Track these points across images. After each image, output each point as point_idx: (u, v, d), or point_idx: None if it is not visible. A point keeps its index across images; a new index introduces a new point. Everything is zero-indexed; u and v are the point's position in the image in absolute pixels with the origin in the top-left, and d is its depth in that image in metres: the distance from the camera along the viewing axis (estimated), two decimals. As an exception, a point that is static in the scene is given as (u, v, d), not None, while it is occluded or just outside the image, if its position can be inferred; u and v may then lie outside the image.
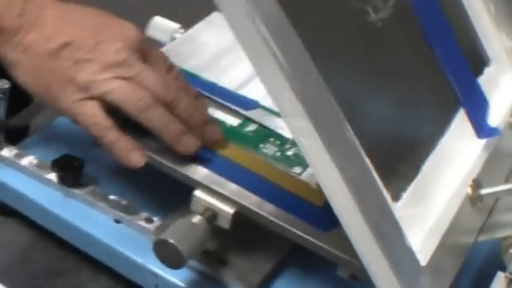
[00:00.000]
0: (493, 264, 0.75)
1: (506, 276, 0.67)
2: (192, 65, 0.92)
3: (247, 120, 0.90)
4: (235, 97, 0.93)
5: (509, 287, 0.66)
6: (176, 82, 0.85)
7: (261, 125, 0.89)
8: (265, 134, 0.88)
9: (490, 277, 0.69)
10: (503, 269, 0.70)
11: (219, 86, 0.94)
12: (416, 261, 0.69)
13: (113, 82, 0.79)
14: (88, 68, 0.80)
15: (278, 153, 0.86)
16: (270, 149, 0.86)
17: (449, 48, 0.87)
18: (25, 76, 0.82)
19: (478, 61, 0.93)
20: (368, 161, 0.68)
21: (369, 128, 0.74)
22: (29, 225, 0.91)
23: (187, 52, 0.98)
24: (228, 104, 0.91)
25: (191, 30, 1.05)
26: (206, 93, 0.91)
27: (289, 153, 0.86)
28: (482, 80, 0.91)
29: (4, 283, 0.83)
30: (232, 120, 0.90)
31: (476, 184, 0.77)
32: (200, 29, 1.06)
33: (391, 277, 0.65)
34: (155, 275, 0.84)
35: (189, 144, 0.81)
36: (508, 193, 0.74)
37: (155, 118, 0.80)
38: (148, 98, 0.79)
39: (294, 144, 0.86)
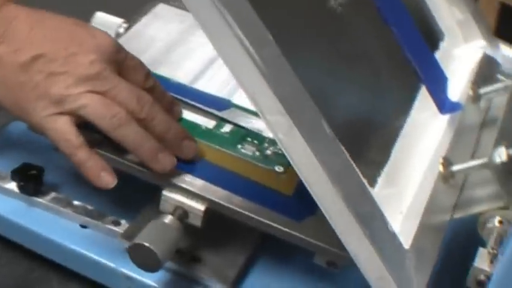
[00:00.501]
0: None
1: (489, 252, 0.67)
2: (143, 61, 0.90)
3: (222, 121, 0.88)
4: (207, 98, 0.91)
5: (492, 262, 0.67)
6: (152, 93, 0.82)
7: (236, 125, 0.88)
8: (242, 134, 0.87)
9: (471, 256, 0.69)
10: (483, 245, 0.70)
11: (189, 87, 0.93)
12: (400, 244, 0.69)
13: (86, 97, 0.77)
14: (61, 82, 0.77)
15: (257, 153, 0.84)
16: (248, 149, 0.85)
17: (406, 27, 0.87)
18: None
19: (433, 36, 0.93)
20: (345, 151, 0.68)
21: (337, 116, 0.74)
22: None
23: (137, 48, 0.96)
24: (201, 106, 0.90)
25: (137, 25, 1.03)
26: (177, 96, 0.90)
27: (268, 152, 0.85)
28: (438, 55, 0.91)
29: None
30: (207, 122, 0.88)
31: (447, 161, 0.77)
32: (146, 23, 1.04)
33: (378, 262, 0.65)
34: (128, 277, 0.83)
35: (165, 162, 0.79)
36: (478, 168, 0.74)
37: (129, 136, 0.78)
38: (122, 114, 0.77)
39: (272, 143, 0.85)
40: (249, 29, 0.60)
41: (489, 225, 0.71)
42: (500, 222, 0.71)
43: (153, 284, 0.82)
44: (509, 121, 0.81)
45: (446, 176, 0.77)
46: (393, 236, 0.68)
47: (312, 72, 0.74)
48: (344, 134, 0.70)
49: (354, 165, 0.68)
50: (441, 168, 0.77)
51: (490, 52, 0.94)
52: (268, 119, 0.63)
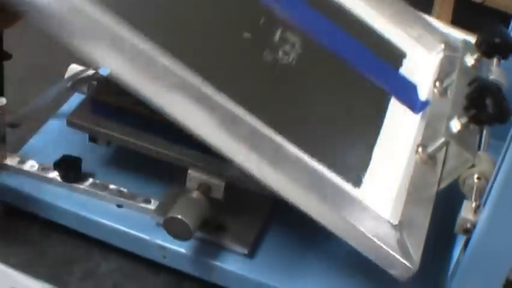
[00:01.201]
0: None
1: (472, 204, 0.68)
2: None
3: None
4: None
5: (476, 212, 0.67)
6: None
7: None
8: None
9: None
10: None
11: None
12: (387, 222, 0.71)
13: None
14: None
15: None
16: None
17: (365, 59, 0.90)
18: None
19: (396, 56, 0.94)
20: (320, 166, 0.72)
21: (321, 139, 0.78)
22: (38, 222, 0.89)
23: None
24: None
25: None
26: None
27: None
28: (405, 69, 0.93)
29: (26, 274, 0.81)
30: None
31: (423, 147, 0.78)
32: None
33: (373, 243, 0.68)
34: (162, 247, 0.83)
35: None
36: (444, 144, 0.76)
37: None
38: None
39: None
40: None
41: (469, 182, 0.72)
42: (479, 178, 0.72)
43: (184, 251, 0.82)
44: (458, 94, 0.82)
45: (425, 159, 0.78)
46: (377, 217, 0.71)
47: (300, 111, 0.80)
48: (327, 150, 0.76)
49: (331, 175, 0.73)
50: (418, 153, 0.79)
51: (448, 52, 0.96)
52: (237, 161, 0.67)
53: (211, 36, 0.79)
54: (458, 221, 0.68)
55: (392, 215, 0.73)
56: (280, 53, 0.82)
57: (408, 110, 0.87)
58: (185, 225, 0.76)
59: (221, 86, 0.71)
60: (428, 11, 1.29)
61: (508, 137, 0.70)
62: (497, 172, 0.66)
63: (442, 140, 0.76)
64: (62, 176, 0.87)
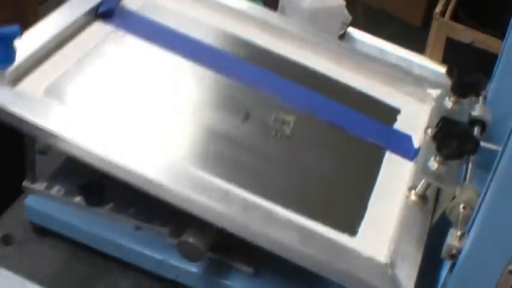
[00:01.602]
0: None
1: (457, 232, 0.69)
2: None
3: None
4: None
5: (461, 240, 0.68)
6: None
7: None
8: None
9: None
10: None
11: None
12: (381, 263, 0.73)
13: None
14: None
15: None
16: None
17: (360, 123, 0.93)
18: None
19: (389, 114, 0.96)
20: (315, 224, 0.75)
21: (318, 200, 0.82)
22: (65, 241, 0.89)
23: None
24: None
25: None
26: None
27: None
28: (399, 123, 0.95)
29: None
30: None
31: (412, 189, 0.81)
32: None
33: (367, 284, 0.71)
34: (176, 267, 0.84)
35: None
36: (427, 185, 0.80)
37: None
38: None
39: None
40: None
41: (455, 211, 0.72)
42: (464, 207, 0.72)
43: (195, 270, 0.83)
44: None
45: (415, 200, 0.81)
46: (367, 259, 0.73)
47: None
48: (321, 207, 0.80)
49: (325, 229, 0.75)
50: (410, 195, 0.81)
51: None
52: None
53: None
54: (445, 247, 0.68)
55: (386, 255, 0.74)
56: (277, 131, 0.87)
57: (403, 159, 0.88)
58: (196, 248, 0.77)
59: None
60: (422, 51, 1.30)
61: (492, 170, 0.70)
62: (481, 202, 0.66)
63: (423, 180, 0.78)
64: (86, 200, 0.87)
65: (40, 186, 0.89)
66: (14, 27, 0.79)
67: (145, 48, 0.94)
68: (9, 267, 0.83)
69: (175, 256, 0.81)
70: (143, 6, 1.02)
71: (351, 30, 1.29)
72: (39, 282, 0.82)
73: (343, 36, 1.28)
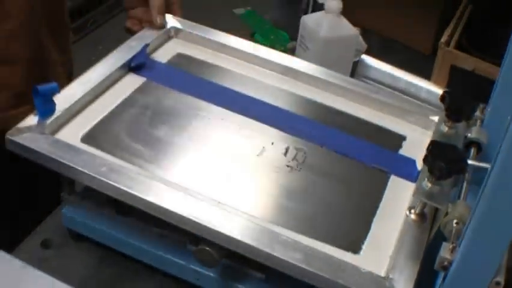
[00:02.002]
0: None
1: (450, 245, 0.68)
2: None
3: None
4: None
5: (452, 252, 0.67)
6: None
7: None
8: None
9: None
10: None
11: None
12: (380, 277, 0.74)
13: None
14: None
15: None
16: None
17: (367, 151, 0.93)
18: None
19: (395, 141, 0.97)
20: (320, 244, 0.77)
21: (326, 223, 0.83)
22: (97, 246, 0.90)
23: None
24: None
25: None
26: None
27: None
28: (405, 149, 0.95)
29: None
30: None
31: (411, 208, 0.82)
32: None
33: None
34: (196, 271, 0.84)
35: None
36: (423, 203, 0.80)
37: None
38: None
39: None
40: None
41: (449, 226, 0.71)
42: (457, 223, 0.71)
43: (212, 274, 0.83)
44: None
45: (414, 218, 0.81)
46: (367, 274, 0.74)
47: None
48: (328, 229, 0.81)
49: (329, 249, 0.77)
50: (409, 214, 0.81)
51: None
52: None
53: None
54: (438, 259, 0.68)
55: (385, 269, 0.75)
56: (290, 162, 0.89)
57: (407, 181, 0.88)
58: (212, 255, 0.77)
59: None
60: (428, 77, 1.30)
61: (482, 186, 0.70)
62: (471, 217, 0.66)
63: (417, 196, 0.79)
64: (116, 210, 0.87)
65: (76, 197, 0.90)
66: (53, 85, 0.85)
67: (173, 95, 0.97)
68: (47, 269, 0.84)
69: (195, 262, 0.81)
70: (171, 59, 1.05)
71: (365, 57, 1.29)
72: (73, 283, 0.83)
73: (357, 62, 1.28)
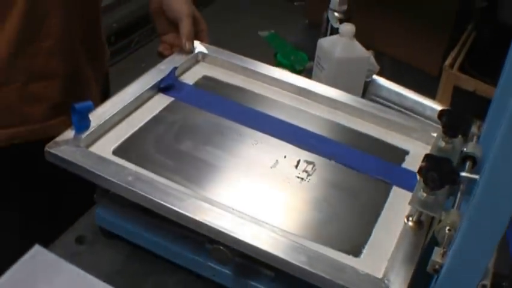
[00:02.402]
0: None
1: (441, 250, 0.68)
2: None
3: None
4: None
5: (443, 257, 0.67)
6: None
7: None
8: None
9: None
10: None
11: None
12: (377, 278, 0.73)
13: None
14: None
15: None
16: None
17: (371, 165, 0.93)
18: None
19: (399, 155, 0.96)
20: (324, 248, 0.77)
21: (331, 230, 0.82)
22: (126, 244, 0.91)
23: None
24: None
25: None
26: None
27: None
28: (407, 162, 0.94)
29: (111, 284, 0.83)
30: None
31: (409, 216, 0.81)
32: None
33: None
34: (212, 268, 0.84)
35: None
36: (419, 212, 0.80)
37: None
38: None
39: None
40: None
41: (441, 233, 0.71)
42: (449, 230, 0.71)
43: (227, 271, 0.83)
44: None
45: (412, 226, 0.80)
46: (366, 275, 0.73)
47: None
48: (333, 235, 0.81)
49: (332, 253, 0.77)
50: (408, 222, 0.81)
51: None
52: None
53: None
54: (430, 263, 0.68)
55: (382, 272, 0.75)
56: (300, 174, 0.89)
57: (408, 192, 0.87)
58: (226, 254, 0.77)
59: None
60: (433, 97, 1.29)
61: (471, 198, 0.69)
62: (460, 224, 0.66)
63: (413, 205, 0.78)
64: (143, 212, 0.87)
65: (108, 199, 0.90)
66: (88, 103, 0.87)
67: (198, 114, 0.98)
68: (79, 263, 0.84)
69: (211, 259, 0.82)
70: (197, 81, 1.07)
71: (376, 77, 1.28)
72: (102, 277, 0.83)
73: (369, 82, 1.28)
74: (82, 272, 0.81)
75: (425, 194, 0.76)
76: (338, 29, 1.24)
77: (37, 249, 0.83)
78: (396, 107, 1.22)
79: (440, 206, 0.76)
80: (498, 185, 0.54)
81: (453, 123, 0.86)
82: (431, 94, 1.31)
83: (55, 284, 0.80)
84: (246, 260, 0.81)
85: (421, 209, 0.77)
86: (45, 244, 0.85)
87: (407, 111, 1.20)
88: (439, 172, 0.73)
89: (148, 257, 0.89)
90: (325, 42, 1.23)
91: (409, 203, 0.77)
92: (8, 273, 0.80)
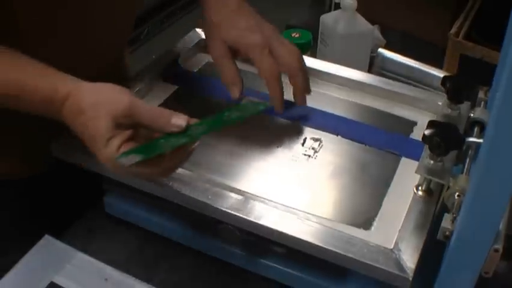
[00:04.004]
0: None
1: (451, 216, 0.66)
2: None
3: None
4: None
5: (453, 223, 0.65)
6: None
7: None
8: None
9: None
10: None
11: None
12: (388, 249, 0.72)
13: None
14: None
15: None
16: None
17: (380, 138, 0.91)
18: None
19: (407, 126, 0.94)
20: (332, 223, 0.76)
21: (342, 204, 0.81)
22: (136, 229, 0.90)
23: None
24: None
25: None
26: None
27: None
28: (415, 133, 0.92)
29: (126, 272, 0.82)
30: None
31: (418, 186, 0.79)
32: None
33: (376, 268, 0.70)
34: (222, 248, 0.84)
35: None
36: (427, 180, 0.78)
37: None
38: None
39: None
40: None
41: (451, 199, 0.69)
42: (459, 195, 0.69)
43: (237, 250, 0.83)
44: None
45: (421, 195, 0.78)
46: (376, 246, 0.72)
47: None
48: (344, 209, 0.80)
49: (343, 227, 0.75)
50: (416, 191, 0.79)
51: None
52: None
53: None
54: (440, 230, 0.66)
55: (394, 242, 0.73)
56: (307, 151, 0.88)
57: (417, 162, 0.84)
58: (234, 233, 0.77)
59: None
60: (440, 67, 1.27)
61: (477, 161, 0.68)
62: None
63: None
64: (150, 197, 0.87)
65: (115, 187, 0.89)
66: None
67: (203, 100, 0.98)
68: (91, 252, 0.84)
69: (221, 239, 0.82)
70: (201, 67, 1.06)
71: (382, 50, 1.26)
72: (115, 263, 0.83)
73: (375, 56, 1.26)
74: (92, 260, 0.81)
75: (431, 161, 0.75)
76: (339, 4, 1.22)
77: (47, 238, 0.83)
78: (403, 79, 1.20)
79: (447, 172, 0.74)
80: (503, 143, 0.52)
81: (457, 88, 0.85)
82: (439, 65, 1.29)
83: (66, 272, 0.80)
84: (255, 238, 0.80)
85: (428, 176, 0.75)
86: (56, 235, 0.85)
87: (415, 83, 1.18)
88: (443, 137, 0.71)
89: (159, 241, 0.88)
90: (327, 18, 1.21)
91: (416, 171, 0.75)
92: (19, 264, 0.80)
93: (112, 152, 0.69)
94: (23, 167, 0.95)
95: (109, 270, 0.81)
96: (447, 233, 0.65)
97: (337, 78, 1.01)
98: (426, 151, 0.76)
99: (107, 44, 0.94)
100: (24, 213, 0.97)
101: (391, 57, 1.26)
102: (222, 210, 0.75)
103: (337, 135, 0.90)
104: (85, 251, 0.84)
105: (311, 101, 0.94)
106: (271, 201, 0.78)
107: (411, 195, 0.79)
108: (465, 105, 0.87)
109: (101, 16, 0.88)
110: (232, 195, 0.77)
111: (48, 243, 0.83)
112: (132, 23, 1.01)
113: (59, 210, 0.96)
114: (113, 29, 0.94)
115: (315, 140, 0.89)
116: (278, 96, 0.86)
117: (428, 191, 0.78)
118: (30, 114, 0.76)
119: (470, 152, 0.78)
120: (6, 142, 0.92)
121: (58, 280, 0.79)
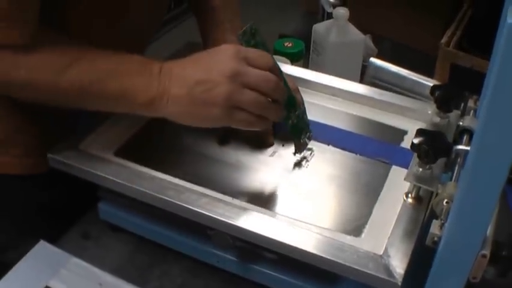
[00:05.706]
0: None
1: (439, 222, 0.67)
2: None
3: None
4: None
5: (442, 229, 0.66)
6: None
7: None
8: None
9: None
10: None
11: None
12: (377, 255, 0.73)
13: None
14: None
15: None
16: None
17: (370, 147, 0.92)
18: (180, 118, 0.79)
19: (397, 135, 0.95)
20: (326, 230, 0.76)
21: (331, 212, 0.82)
22: (130, 235, 0.91)
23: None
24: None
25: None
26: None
27: None
28: (406, 142, 0.93)
29: (118, 276, 0.83)
30: None
31: (408, 193, 0.80)
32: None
33: (366, 274, 0.71)
34: (215, 254, 0.84)
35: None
36: (416, 187, 0.79)
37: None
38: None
39: None
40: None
41: (439, 205, 0.70)
42: (447, 202, 0.70)
43: (229, 256, 0.83)
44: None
45: (411, 202, 0.79)
46: (365, 252, 0.73)
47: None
48: (334, 217, 0.81)
49: (335, 234, 0.76)
50: (406, 199, 0.80)
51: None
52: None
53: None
54: (429, 235, 0.67)
55: (384, 248, 0.74)
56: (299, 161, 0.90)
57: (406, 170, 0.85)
58: (226, 239, 0.77)
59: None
60: (431, 75, 1.28)
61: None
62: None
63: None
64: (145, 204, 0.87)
65: (110, 194, 0.89)
66: None
67: None
68: (86, 257, 0.85)
69: (214, 246, 0.82)
70: None
71: (373, 59, 1.27)
72: (110, 269, 0.84)
73: (367, 65, 1.27)
74: (87, 265, 0.82)
75: (420, 169, 0.76)
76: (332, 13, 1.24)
77: (42, 244, 0.84)
78: (395, 88, 1.21)
79: (436, 179, 0.75)
80: (489, 151, 0.53)
81: (445, 97, 0.86)
82: (430, 74, 1.31)
83: (61, 277, 0.80)
84: (247, 244, 0.80)
85: (417, 183, 0.76)
86: (51, 241, 0.86)
87: (406, 92, 1.19)
88: (431, 145, 0.72)
89: (153, 248, 0.89)
90: (320, 28, 1.22)
91: (405, 179, 0.77)
92: (15, 268, 0.80)
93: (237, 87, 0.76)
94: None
95: (103, 275, 0.82)
96: (435, 238, 0.66)
97: (328, 89, 1.03)
98: (415, 159, 0.77)
99: (141, 31, 0.98)
100: (24, 213, 0.97)
101: (383, 66, 1.27)
102: (214, 218, 0.76)
103: (328, 145, 0.92)
104: (79, 256, 0.85)
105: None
106: (263, 209, 0.79)
107: (401, 202, 0.80)
108: (454, 114, 0.89)
109: None
110: (225, 203, 0.78)
111: (43, 248, 0.84)
112: (162, 17, 1.05)
113: (56, 214, 0.96)
114: (149, 16, 0.98)
115: (307, 149, 0.90)
116: None
117: (418, 198, 0.79)
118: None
119: (459, 159, 0.79)
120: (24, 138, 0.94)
121: (53, 285, 0.79)
